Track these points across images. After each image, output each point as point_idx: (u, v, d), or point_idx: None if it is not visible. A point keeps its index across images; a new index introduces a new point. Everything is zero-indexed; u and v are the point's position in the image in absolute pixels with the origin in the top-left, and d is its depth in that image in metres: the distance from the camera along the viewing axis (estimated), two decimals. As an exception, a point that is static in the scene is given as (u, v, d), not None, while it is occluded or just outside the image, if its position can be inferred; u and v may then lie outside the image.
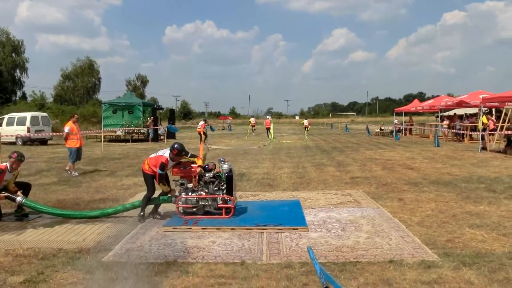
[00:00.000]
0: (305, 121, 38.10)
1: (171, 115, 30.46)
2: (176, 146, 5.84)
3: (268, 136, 27.18)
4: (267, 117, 35.55)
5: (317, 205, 6.59)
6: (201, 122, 21.06)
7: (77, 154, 10.70)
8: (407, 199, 6.88)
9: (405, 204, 6.53)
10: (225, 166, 5.84)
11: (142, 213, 5.83)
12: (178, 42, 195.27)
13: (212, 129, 36.96)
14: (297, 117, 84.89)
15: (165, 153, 5.90)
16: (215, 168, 5.96)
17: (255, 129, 36.43)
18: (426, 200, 6.79)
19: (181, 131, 35.45)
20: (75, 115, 11.56)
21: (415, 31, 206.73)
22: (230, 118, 63.50)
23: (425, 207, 6.32)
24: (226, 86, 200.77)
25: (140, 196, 7.02)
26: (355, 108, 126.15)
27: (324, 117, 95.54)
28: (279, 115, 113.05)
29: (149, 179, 5.91)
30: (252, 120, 38.91)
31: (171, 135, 25.90)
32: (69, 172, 10.46)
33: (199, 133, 20.04)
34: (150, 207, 6.03)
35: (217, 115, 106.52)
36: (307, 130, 35.37)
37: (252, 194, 7.57)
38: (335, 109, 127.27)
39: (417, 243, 4.58)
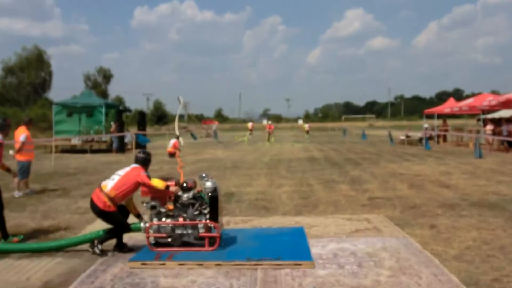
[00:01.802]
0: (306, 125, 43.29)
1: (141, 119, 29.97)
2: (140, 154, 5.98)
3: (268, 139, 32.93)
4: (265, 121, 40.06)
5: (326, 233, 6.55)
6: (173, 140, 20.05)
7: (29, 169, 10.70)
8: (441, 226, 6.80)
9: (438, 233, 6.46)
10: (209, 184, 5.75)
11: (99, 245, 5.73)
12: (151, 27, 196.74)
13: (194, 137, 37.15)
14: (300, 121, 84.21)
15: (132, 166, 5.94)
16: (195, 186, 5.89)
17: (251, 134, 41.65)
18: (465, 228, 6.71)
19: (153, 139, 35.34)
20: (31, 119, 11.44)
21: (449, 12, 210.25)
22: (216, 122, 63.43)
23: (465, 236, 6.24)
24: (210, 82, 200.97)
25: (100, 224, 6.70)
26: (375, 109, 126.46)
27: (335, 121, 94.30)
28: (277, 118, 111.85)
29: (115, 216, 5.74)
30: (250, 124, 44.68)
31: (140, 145, 25.57)
32: (27, 192, 10.38)
33: (171, 154, 18.97)
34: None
35: (199, 118, 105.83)
36: (307, 134, 40.86)
37: (243, 220, 7.51)
38: (349, 110, 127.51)
39: (455, 283, 4.52)
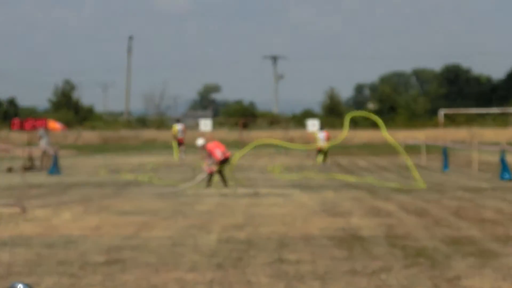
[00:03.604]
0: (321, 136, 29.68)
1: None
2: None
3: (222, 180, 18.98)
4: (204, 123, 38.83)
5: None
6: None
7: None
8: None
9: None
10: None
11: None
12: None
13: None
14: (313, 124, 47.47)
15: None
16: None
17: (184, 149, 32.05)
18: None
19: None
20: None
21: None
22: (58, 125, 36.43)
23: None
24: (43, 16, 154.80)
25: None
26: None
27: (415, 125, 56.86)
28: (249, 114, 66.34)
29: None
30: (179, 127, 31.93)
31: None
32: None
33: None
34: None
35: (8, 116, 61.51)
36: (323, 157, 28.32)
37: None
38: (457, 92, 69.54)
39: None
